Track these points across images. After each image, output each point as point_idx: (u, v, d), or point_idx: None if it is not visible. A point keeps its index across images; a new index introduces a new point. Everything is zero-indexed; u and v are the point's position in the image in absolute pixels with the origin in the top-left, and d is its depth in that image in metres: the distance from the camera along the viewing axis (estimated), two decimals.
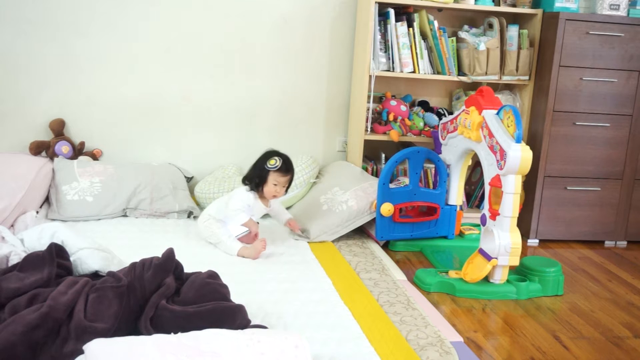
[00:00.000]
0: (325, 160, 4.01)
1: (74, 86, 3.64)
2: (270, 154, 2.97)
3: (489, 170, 2.93)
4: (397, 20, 3.60)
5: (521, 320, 2.69)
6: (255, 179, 2.95)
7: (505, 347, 2.45)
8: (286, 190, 3.03)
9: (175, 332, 1.82)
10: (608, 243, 3.87)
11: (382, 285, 2.67)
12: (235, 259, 2.84)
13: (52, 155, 3.54)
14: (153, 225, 3.22)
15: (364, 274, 2.80)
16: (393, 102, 3.75)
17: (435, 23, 3.63)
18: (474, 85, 3.96)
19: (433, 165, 3.76)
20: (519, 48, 3.72)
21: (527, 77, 3.78)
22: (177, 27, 3.69)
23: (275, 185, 2.93)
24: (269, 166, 2.91)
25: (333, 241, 3.24)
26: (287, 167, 2.94)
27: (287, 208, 3.50)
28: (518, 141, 2.77)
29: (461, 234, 3.57)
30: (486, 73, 3.70)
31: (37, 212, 3.15)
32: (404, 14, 3.68)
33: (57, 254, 2.17)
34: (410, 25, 3.62)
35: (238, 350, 1.70)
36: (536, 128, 3.75)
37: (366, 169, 3.79)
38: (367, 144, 3.79)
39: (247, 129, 3.89)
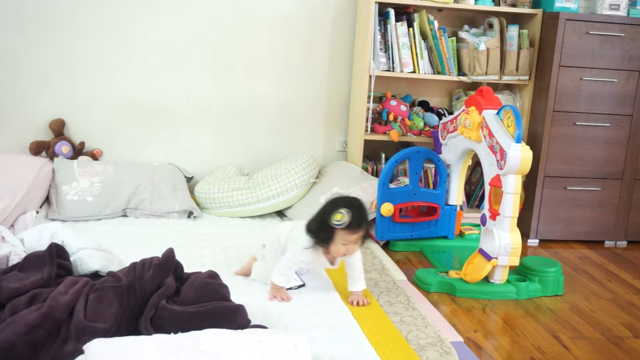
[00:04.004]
0: (325, 160, 4.01)
1: (74, 86, 3.64)
2: (336, 204, 2.31)
3: (489, 170, 2.93)
4: (397, 20, 3.60)
5: (521, 320, 2.69)
6: (321, 234, 2.33)
7: (505, 347, 2.45)
8: (362, 243, 2.41)
9: (175, 332, 1.82)
10: (608, 243, 3.87)
11: (382, 285, 2.67)
12: (235, 257, 2.82)
13: (52, 155, 3.54)
14: (153, 225, 3.22)
15: (364, 274, 2.80)
16: (393, 102, 3.75)
17: (435, 23, 3.63)
18: (474, 85, 3.96)
19: (433, 165, 3.76)
20: (519, 48, 3.72)
21: (527, 77, 3.78)
22: (177, 27, 3.69)
23: (344, 244, 2.33)
24: (335, 223, 2.27)
25: None
26: (358, 222, 2.29)
27: (287, 208, 3.51)
28: (518, 141, 2.77)
29: (461, 234, 3.57)
30: (486, 73, 3.70)
31: (37, 212, 3.15)
32: (404, 14, 3.68)
33: (57, 254, 2.17)
34: (410, 25, 3.62)
35: (238, 350, 1.70)
36: (536, 128, 3.75)
37: (366, 169, 3.79)
38: (367, 144, 3.79)
39: (247, 129, 3.89)
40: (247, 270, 2.65)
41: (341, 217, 2.26)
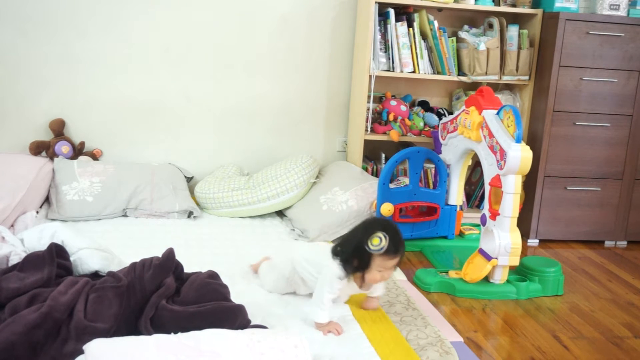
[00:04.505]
0: (325, 160, 4.01)
1: (74, 86, 3.64)
2: (372, 227, 2.15)
3: (489, 170, 2.93)
4: (397, 20, 3.60)
5: (521, 320, 2.70)
6: (354, 260, 2.16)
7: (505, 347, 2.45)
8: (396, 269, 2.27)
9: (176, 332, 1.82)
10: (608, 243, 3.87)
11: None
12: (235, 257, 2.83)
13: (52, 155, 3.54)
14: (153, 225, 3.22)
15: None
16: (393, 102, 3.75)
17: (435, 23, 3.63)
18: (474, 85, 3.96)
19: (433, 165, 3.76)
20: (519, 48, 3.71)
21: (527, 77, 3.78)
22: (177, 26, 3.68)
23: (380, 271, 2.17)
24: (373, 248, 2.10)
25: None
26: (396, 246, 2.13)
27: (287, 208, 3.51)
28: (518, 141, 2.77)
29: (461, 234, 3.57)
30: (486, 73, 3.70)
31: (37, 212, 3.15)
32: (404, 14, 3.68)
33: (57, 254, 2.17)
34: (410, 25, 3.62)
35: (238, 350, 1.71)
36: (536, 128, 3.75)
37: (366, 169, 3.79)
38: (367, 144, 3.79)
39: (247, 129, 3.89)
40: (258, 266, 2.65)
41: (379, 241, 2.10)
